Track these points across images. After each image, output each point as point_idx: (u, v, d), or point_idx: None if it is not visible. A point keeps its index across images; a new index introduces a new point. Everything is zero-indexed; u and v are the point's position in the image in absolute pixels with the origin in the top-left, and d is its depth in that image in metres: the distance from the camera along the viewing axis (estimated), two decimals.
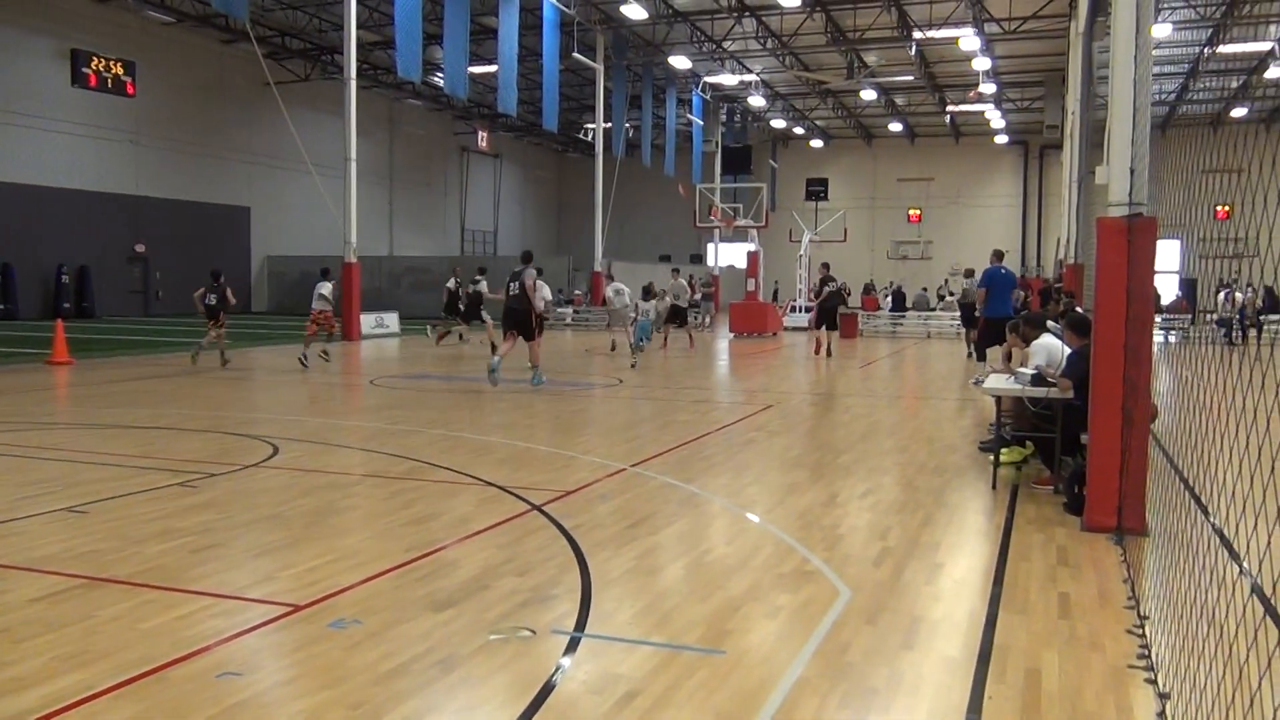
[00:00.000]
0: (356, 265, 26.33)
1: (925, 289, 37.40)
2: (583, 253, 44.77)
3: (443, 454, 9.23)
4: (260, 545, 6.16)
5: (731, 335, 28.61)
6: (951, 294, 38.35)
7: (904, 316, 32.65)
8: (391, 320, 29.21)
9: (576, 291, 33.17)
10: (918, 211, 56.35)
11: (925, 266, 53.55)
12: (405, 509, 7.06)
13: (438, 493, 7.61)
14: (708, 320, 32.58)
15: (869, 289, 43.60)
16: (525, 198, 58.93)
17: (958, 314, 26.55)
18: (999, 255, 15.86)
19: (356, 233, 26.41)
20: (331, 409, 13.20)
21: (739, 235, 36.69)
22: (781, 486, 8.06)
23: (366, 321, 27.53)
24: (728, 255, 52.75)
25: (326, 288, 19.19)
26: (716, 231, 43.45)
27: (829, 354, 22.64)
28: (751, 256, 31.07)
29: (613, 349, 23.15)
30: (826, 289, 23.58)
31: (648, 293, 23.37)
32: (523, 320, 14.84)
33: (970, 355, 20.58)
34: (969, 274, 24.20)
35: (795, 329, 32.15)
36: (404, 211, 47.81)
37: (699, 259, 57.26)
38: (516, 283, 14.93)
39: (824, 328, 22.61)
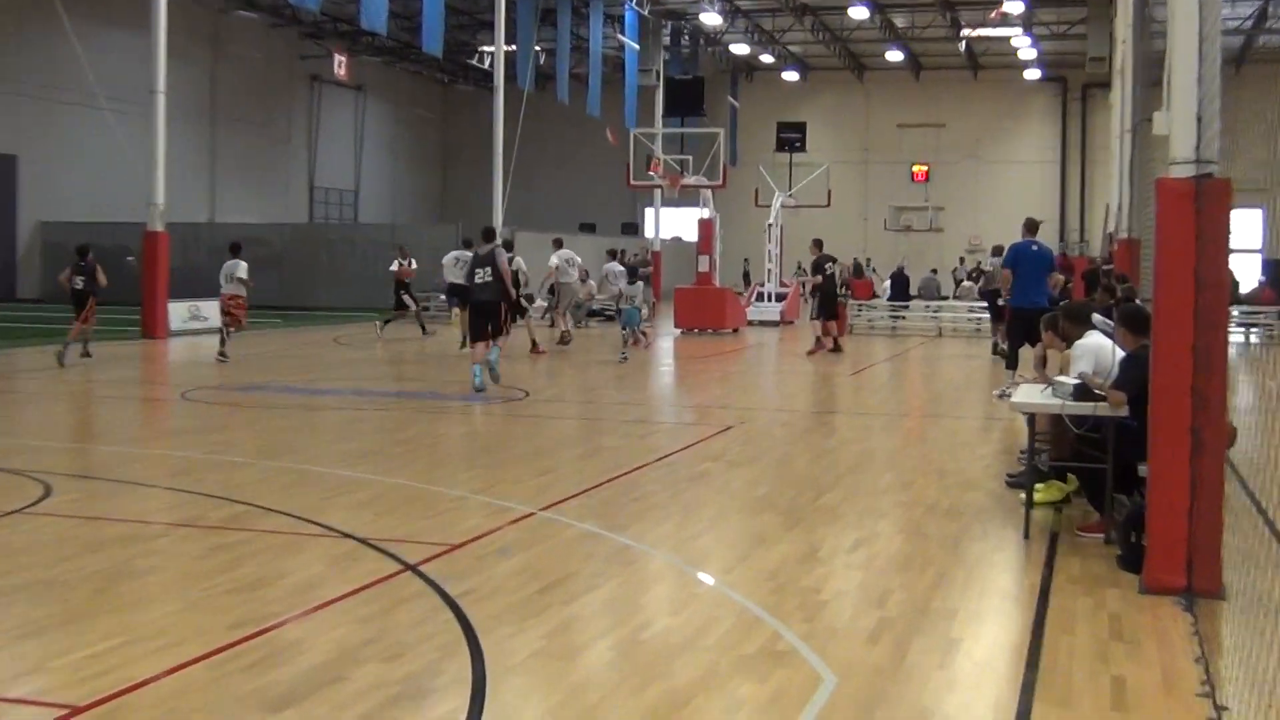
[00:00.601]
0: (164, 236, 25.91)
1: (935, 271, 37.92)
2: (476, 218, 44.58)
3: (281, 494, 9.14)
4: (24, 623, 5.99)
5: (677, 331, 28.71)
6: (973, 276, 39.05)
7: (907, 307, 33.11)
8: (212, 311, 28.74)
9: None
10: (924, 168, 57.18)
11: (935, 241, 54.38)
12: (228, 570, 6.94)
13: (274, 548, 7.53)
14: (644, 312, 32.64)
15: (860, 270, 44.10)
16: (398, 145, 58.62)
17: (980, 303, 27.01)
18: (1031, 227, 16.04)
19: (165, 192, 25.98)
20: (126, 432, 12.93)
21: (688, 198, 36.82)
22: (744, 536, 8.08)
23: (177, 313, 27.10)
24: (673, 224, 53.07)
25: (243, 268, 20.42)
26: (657, 193, 43.62)
27: (836, 348, 23.28)
28: (704, 226, 31.25)
29: (563, 341, 23.69)
30: (827, 269, 24.09)
31: (634, 273, 23.93)
32: (495, 313, 16.11)
33: (1000, 358, 21.09)
34: (997, 252, 24.57)
35: (763, 324, 32.44)
36: (231, 163, 47.20)
37: (633, 229, 57.53)
38: (487, 268, 16.03)
39: (823, 318, 23.54)
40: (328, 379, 18.36)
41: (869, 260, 50.29)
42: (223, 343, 20.60)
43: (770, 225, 35.20)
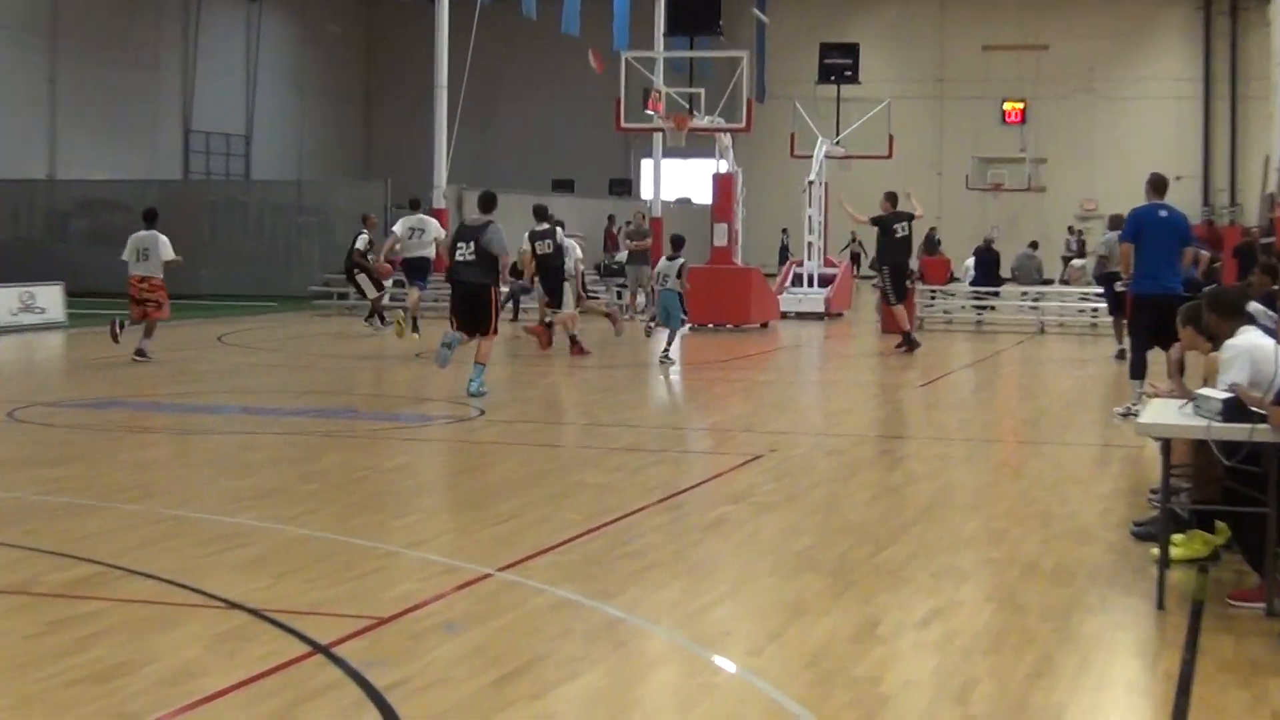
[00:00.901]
0: None
1: (1034, 246, 37.94)
2: (411, 175, 44.63)
3: (146, 549, 9.11)
4: None
5: (685, 327, 28.74)
6: (1080, 251, 39.05)
7: (997, 294, 33.16)
8: (51, 299, 28.77)
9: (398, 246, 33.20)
10: (1019, 106, 57.25)
11: (1034, 205, 54.57)
12: (74, 654, 6.91)
13: (136, 623, 7.49)
14: (640, 299, 32.70)
15: (933, 244, 44.10)
16: (304, 76, 58.72)
17: (1097, 289, 26.93)
18: (1158, 186, 15.92)
19: None
20: None
21: (698, 146, 36.80)
22: (777, 606, 8.07)
23: (4, 301, 27.16)
24: (679, 182, 53.15)
25: (165, 244, 21.33)
26: (658, 139, 43.57)
27: (908, 345, 23.67)
28: (722, 184, 31.28)
29: (546, 345, 23.59)
30: (897, 231, 24.32)
31: (677, 244, 23.79)
32: (479, 302, 17.01)
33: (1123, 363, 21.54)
34: (1115, 223, 24.52)
35: (802, 317, 32.47)
36: (78, 100, 47.13)
37: (625, 189, 57.56)
38: (469, 243, 16.90)
39: (892, 301, 24.21)
40: (210, 392, 18.34)
41: (957, 233, 50.45)
42: (120, 329, 21.44)
43: (811, 183, 35.23)
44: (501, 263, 17.43)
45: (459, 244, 17.13)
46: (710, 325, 28.98)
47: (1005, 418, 17.61)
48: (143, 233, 21.57)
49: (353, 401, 17.66)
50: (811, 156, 36.29)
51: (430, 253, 26.24)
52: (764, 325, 29.78)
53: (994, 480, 12.65)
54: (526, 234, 23.25)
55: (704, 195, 33.80)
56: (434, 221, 26.85)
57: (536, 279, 23.26)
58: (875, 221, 24.90)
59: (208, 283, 38.10)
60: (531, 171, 55.74)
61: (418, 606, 7.82)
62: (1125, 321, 20.26)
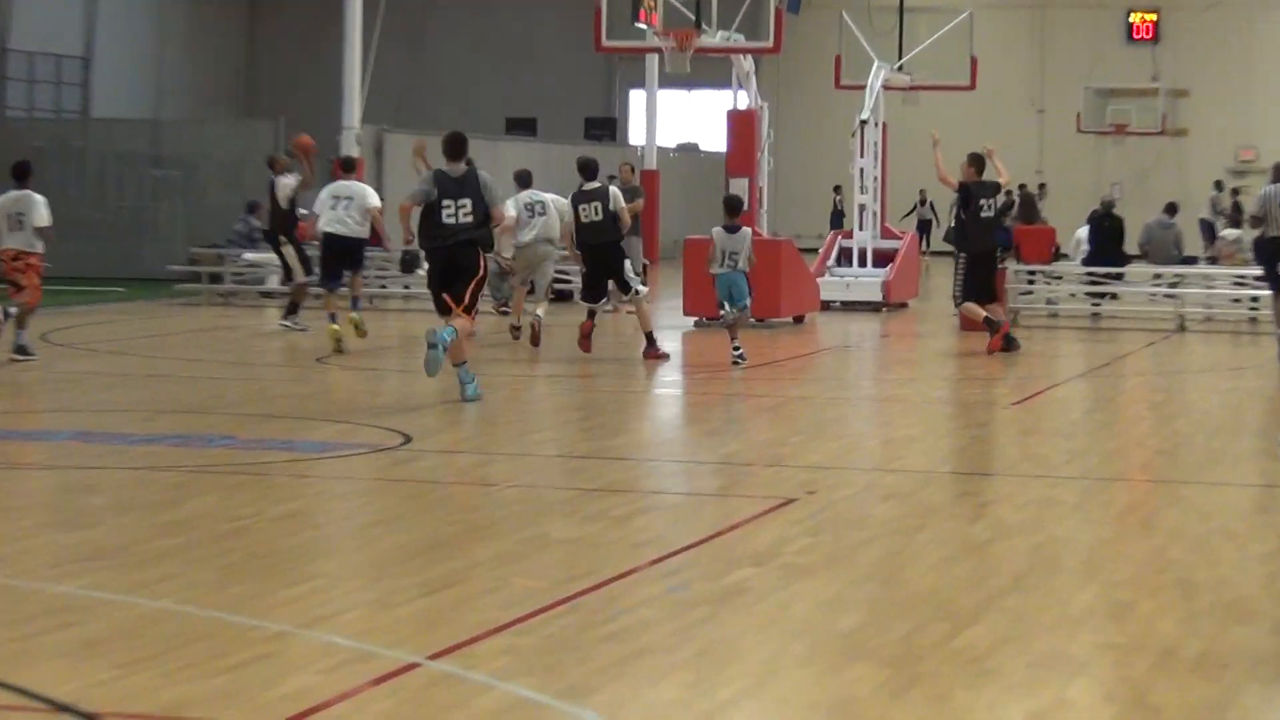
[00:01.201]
0: None
1: (1172, 209, 37.90)
2: (312, 112, 44.68)
3: None
4: None
5: (689, 321, 28.79)
6: (1231, 217, 39.05)
7: (1120, 278, 33.13)
8: None
9: (303, 212, 33.19)
10: (1150, 18, 57.39)
11: (1171, 153, 54.68)
12: None
13: None
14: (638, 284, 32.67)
15: (1030, 207, 44.08)
16: None
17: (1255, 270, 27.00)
18: None
19: None
20: None
21: (708, 73, 36.81)
22: (817, 708, 8.10)
23: None
24: (681, 122, 53.18)
25: (41, 206, 22.39)
26: (652, 63, 43.64)
27: (1006, 344, 24.15)
28: (740, 124, 31.31)
29: (521, 335, 24.83)
30: (983, 209, 24.99)
31: (733, 207, 24.47)
32: (468, 265, 18.88)
33: None
34: (1278, 174, 24.87)
35: (850, 307, 32.47)
36: None
37: (607, 131, 57.57)
38: (465, 201, 18.82)
39: (973, 297, 24.77)
40: (30, 411, 18.37)
41: (1064, 190, 50.42)
42: (5, 317, 22.12)
43: (863, 123, 35.24)
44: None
45: (445, 202, 18.57)
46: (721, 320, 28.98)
47: (1131, 448, 17.64)
48: (14, 193, 22.32)
49: (229, 424, 17.67)
50: (864, 87, 36.26)
51: (366, 232, 26.37)
52: (798, 320, 29.80)
53: (1115, 534, 12.64)
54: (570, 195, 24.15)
55: (715, 140, 33.86)
56: (366, 188, 26.76)
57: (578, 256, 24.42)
58: (960, 191, 25.25)
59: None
60: (478, 108, 55.85)
61: (317, 709, 7.78)
62: None
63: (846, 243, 35.03)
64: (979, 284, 24.89)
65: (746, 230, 23.53)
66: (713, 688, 8.30)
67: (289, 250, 27.60)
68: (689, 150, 52.91)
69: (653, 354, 23.37)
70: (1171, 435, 18.27)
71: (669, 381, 22.48)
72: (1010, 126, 57.48)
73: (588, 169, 24.34)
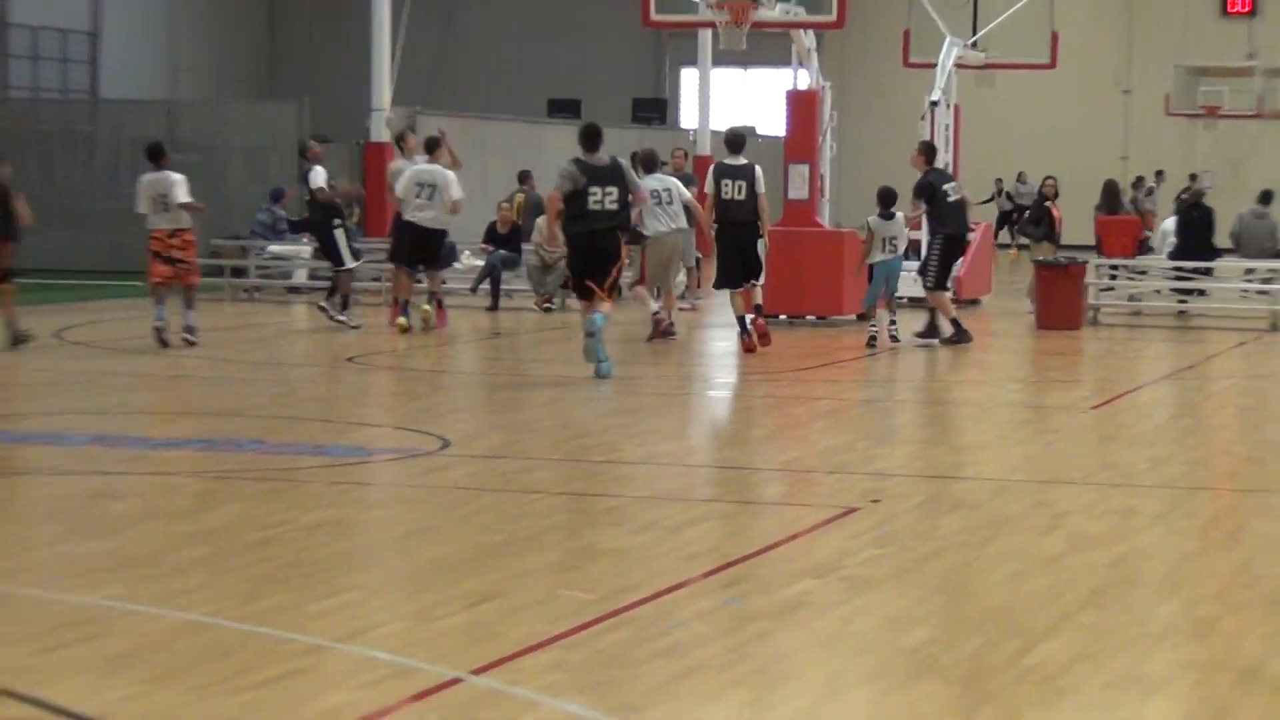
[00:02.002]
0: None
1: (1268, 199, 37.78)
2: (337, 93, 44.80)
3: None
4: None
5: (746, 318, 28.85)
6: None
7: (1210, 273, 33.01)
8: None
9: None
10: None
11: (1270, 137, 54.35)
12: None
13: None
14: (681, 280, 32.75)
15: (1114, 198, 43.95)
16: None
17: None
18: None
19: None
20: None
21: (767, 50, 36.84)
22: None
23: None
24: (737, 104, 53.12)
25: (181, 184, 24.02)
26: (706, 40, 43.68)
27: (955, 338, 25.16)
28: (801, 106, 31.33)
29: (660, 332, 25.16)
30: (949, 194, 26.22)
31: (889, 198, 26.23)
32: (612, 252, 21.18)
33: None
34: None
35: (919, 302, 32.47)
36: None
37: (657, 113, 57.55)
38: (612, 190, 20.97)
39: (932, 285, 25.92)
40: (47, 414, 18.45)
41: (1156, 176, 50.28)
42: (159, 308, 23.99)
43: (934, 104, 35.22)
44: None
45: (593, 188, 20.79)
46: (783, 317, 28.96)
47: (1218, 456, 17.62)
48: (153, 174, 24.24)
49: (257, 428, 17.75)
50: (935, 65, 36.23)
51: (447, 223, 27.15)
52: (860, 316, 29.78)
53: (1201, 547, 12.66)
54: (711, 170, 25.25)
55: (774, 124, 33.88)
56: (449, 174, 27.01)
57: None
58: (921, 183, 26.44)
59: (39, 253, 37.96)
60: (517, 89, 55.83)
61: None
62: None
63: (915, 234, 34.91)
64: (946, 269, 26.00)
65: (900, 215, 25.21)
66: (770, 707, 8.38)
67: (340, 235, 27.75)
68: (749, 136, 52.83)
69: (752, 342, 24.27)
70: (1261, 442, 18.25)
71: (724, 383, 22.52)
72: (1094, 108, 57.47)
73: (737, 143, 25.46)
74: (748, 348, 24.01)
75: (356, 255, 28.40)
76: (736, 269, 24.63)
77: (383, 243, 29.98)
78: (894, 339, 25.79)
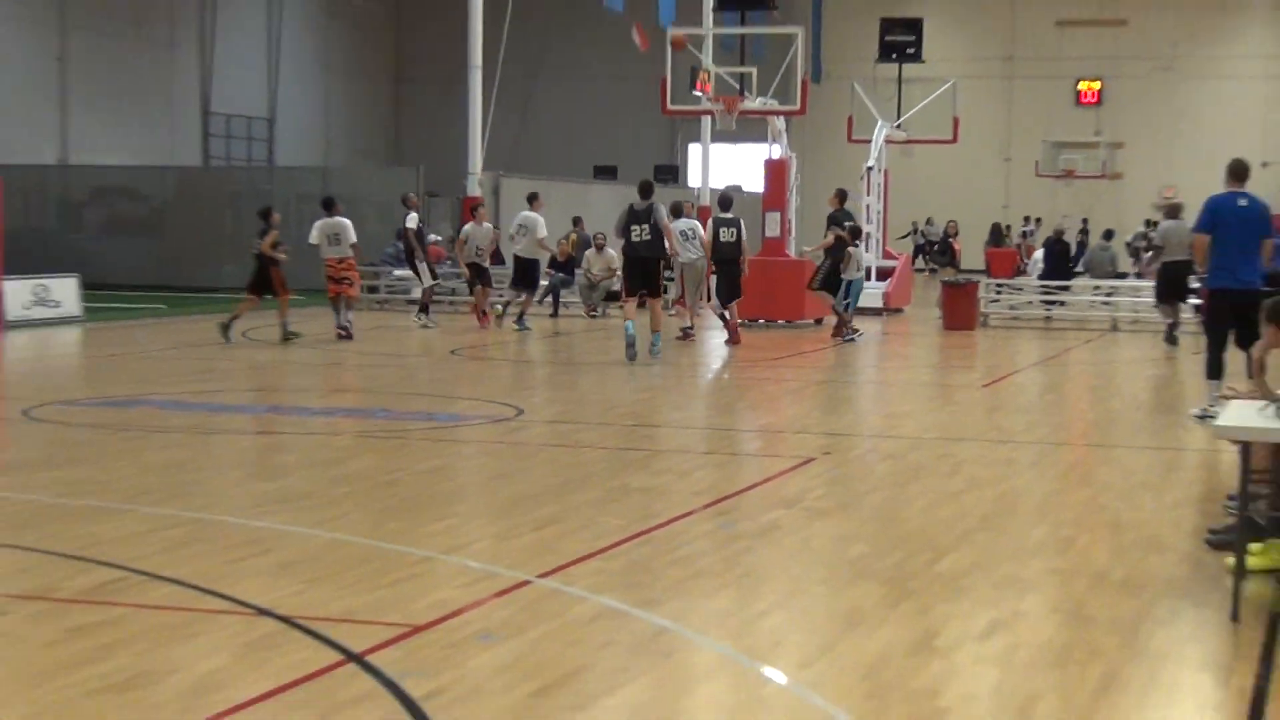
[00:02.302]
0: None
1: (1109, 235, 37.77)
2: (444, 161, 44.80)
3: (169, 553, 9.22)
4: None
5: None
6: (1136, 249, 38.95)
7: (1068, 289, 33.03)
8: (66, 293, 29.02)
9: (435, 237, 33.31)
10: (1094, 86, 57.07)
11: (1110, 193, 54.31)
12: (94, 662, 7.01)
13: (159, 630, 7.59)
14: (704, 295, 32.71)
15: (999, 235, 44.03)
16: (329, 54, 58.87)
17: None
18: (1238, 173, 15.83)
19: None
20: None
21: (750, 130, 36.80)
22: (831, 616, 8.15)
23: (16, 295, 27.36)
24: (729, 167, 53.07)
25: (350, 228, 25.33)
26: (707, 122, 43.59)
27: (844, 333, 25.60)
28: (775, 170, 31.26)
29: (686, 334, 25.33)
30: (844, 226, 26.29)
31: (858, 234, 27.23)
32: (654, 271, 21.78)
33: (1172, 343, 25.04)
34: (1172, 212, 26.30)
35: (861, 311, 32.34)
36: (89, 80, 47.34)
37: (671, 175, 57.52)
38: (645, 225, 21.32)
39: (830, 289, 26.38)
40: (235, 390, 18.50)
41: (1035, 221, 50.29)
42: (340, 313, 25.29)
43: (870, 169, 35.21)
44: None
45: (632, 226, 21.35)
46: (761, 321, 28.99)
47: (1073, 420, 17.62)
48: (329, 219, 25.33)
49: (385, 401, 17.78)
50: (870, 141, 36.23)
51: (538, 254, 27.92)
52: (818, 321, 29.70)
53: (1061, 486, 12.69)
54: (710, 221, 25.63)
55: (755, 183, 33.84)
56: (538, 220, 27.52)
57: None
58: (831, 217, 26.76)
59: (231, 276, 38.16)
60: (572, 157, 55.80)
61: (454, 614, 7.90)
62: (1166, 306, 24.06)
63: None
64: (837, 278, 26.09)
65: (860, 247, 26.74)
66: (752, 601, 8.41)
67: (421, 265, 28.30)
68: (737, 192, 52.65)
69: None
70: (1104, 411, 18.24)
71: (720, 370, 22.49)
72: (984, 171, 57.33)
73: (727, 202, 25.74)
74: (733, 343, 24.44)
75: (434, 275, 28.78)
76: (729, 290, 24.78)
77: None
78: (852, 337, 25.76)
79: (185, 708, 6.41)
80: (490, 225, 29.08)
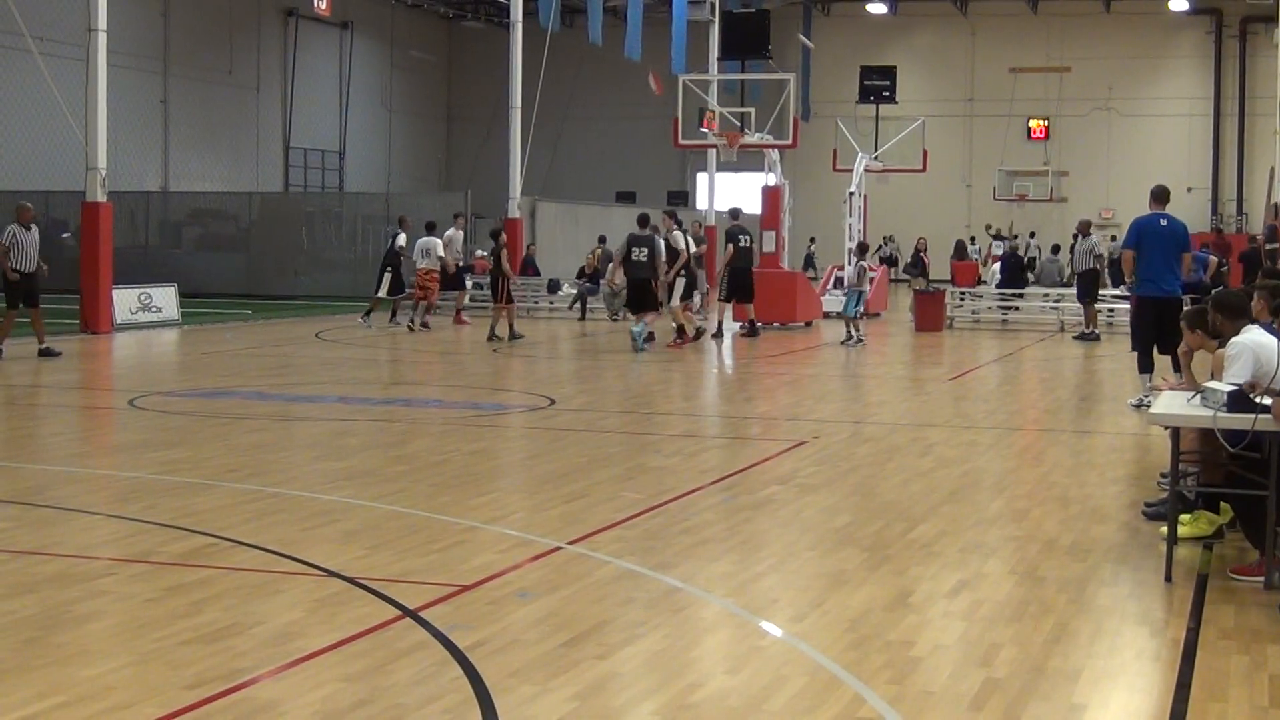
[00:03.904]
0: (107, 208, 26.20)
1: (1056, 250, 37.72)
2: (488, 187, 44.79)
3: (251, 523, 9.24)
4: None
5: (735, 326, 28.73)
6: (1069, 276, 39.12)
7: (1022, 295, 32.93)
8: (166, 300, 29.08)
9: (480, 253, 33.28)
10: (1043, 124, 57.02)
11: (1057, 213, 54.17)
12: (188, 616, 7.04)
13: (243, 589, 7.61)
14: (696, 301, 32.68)
15: (962, 250, 43.98)
16: (393, 96, 58.98)
17: (1117, 291, 27.14)
18: (1160, 197, 15.90)
19: (107, 153, 26.25)
20: (62, 448, 13.09)
21: (749, 161, 36.76)
22: (820, 577, 8.12)
23: (123, 302, 27.39)
24: (731, 192, 52.96)
25: (439, 245, 26.60)
26: (712, 154, 43.65)
27: (697, 336, 24.69)
28: (770, 195, 31.23)
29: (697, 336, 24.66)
30: (740, 242, 26.00)
31: (864, 250, 27.77)
32: (649, 288, 22.79)
33: (1090, 338, 26.15)
34: (1083, 228, 27.47)
35: (843, 317, 32.30)
36: (188, 119, 47.62)
37: (682, 199, 57.50)
38: (642, 249, 22.46)
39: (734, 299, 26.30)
40: (309, 383, 18.52)
41: (985, 239, 50.28)
42: (418, 312, 26.36)
43: (851, 194, 35.12)
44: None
45: (633, 249, 22.52)
46: (760, 324, 28.92)
47: (1027, 408, 17.55)
48: (425, 238, 26.98)
49: (438, 392, 17.77)
50: (852, 170, 36.19)
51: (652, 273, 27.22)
52: (808, 324, 29.71)
53: (1017, 465, 12.63)
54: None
55: (754, 206, 33.86)
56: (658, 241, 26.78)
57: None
58: (728, 234, 26.49)
59: (305, 285, 38.39)
60: (597, 184, 55.82)
61: (495, 576, 7.91)
62: (1094, 308, 25.38)
63: (839, 274, 34.91)
64: (741, 289, 26.04)
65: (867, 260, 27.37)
66: (752, 564, 8.40)
67: (387, 277, 27.58)
68: (738, 215, 52.67)
69: (680, 342, 23.53)
70: (1054, 400, 18.15)
71: (722, 365, 22.46)
72: (949, 196, 57.19)
73: (644, 220, 23.95)
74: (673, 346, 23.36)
75: (398, 290, 27.85)
76: (640, 302, 23.24)
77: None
78: (851, 343, 24.90)
79: (265, 656, 6.43)
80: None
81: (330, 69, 54.63)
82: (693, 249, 25.21)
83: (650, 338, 23.77)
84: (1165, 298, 15.02)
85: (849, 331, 25.12)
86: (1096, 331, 26.87)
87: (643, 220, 23.26)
